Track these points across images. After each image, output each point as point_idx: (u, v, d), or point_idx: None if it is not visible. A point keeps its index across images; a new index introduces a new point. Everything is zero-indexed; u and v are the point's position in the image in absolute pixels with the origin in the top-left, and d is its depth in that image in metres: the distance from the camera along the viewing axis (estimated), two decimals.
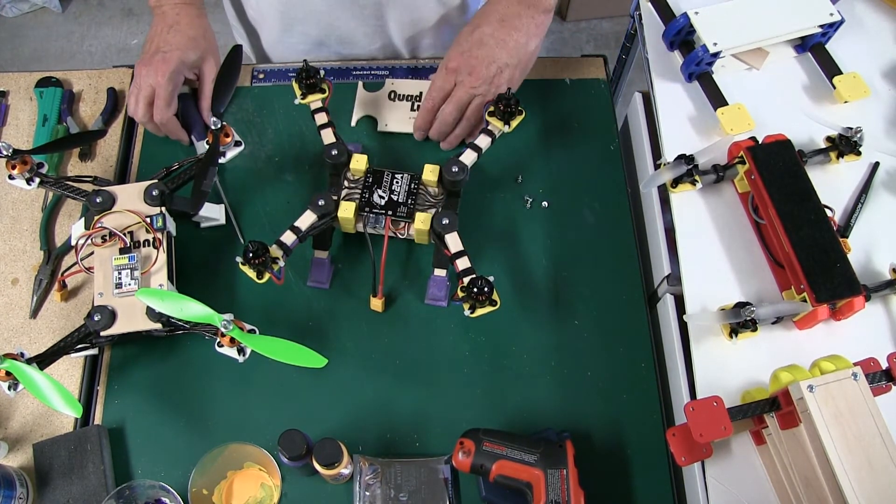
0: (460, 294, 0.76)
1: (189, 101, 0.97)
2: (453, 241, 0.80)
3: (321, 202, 0.80)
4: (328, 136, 0.86)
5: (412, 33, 1.05)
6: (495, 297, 0.75)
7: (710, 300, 0.78)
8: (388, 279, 0.87)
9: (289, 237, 0.79)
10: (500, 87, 0.86)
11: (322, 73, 0.87)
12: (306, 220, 0.80)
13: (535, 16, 0.86)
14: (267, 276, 0.76)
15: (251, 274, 0.76)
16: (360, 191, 0.84)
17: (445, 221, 0.80)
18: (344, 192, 0.84)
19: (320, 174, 0.94)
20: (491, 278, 0.74)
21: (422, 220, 0.82)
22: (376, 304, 0.84)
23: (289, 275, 0.87)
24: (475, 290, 0.74)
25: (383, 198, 0.83)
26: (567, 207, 0.92)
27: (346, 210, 0.82)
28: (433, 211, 0.83)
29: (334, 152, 0.84)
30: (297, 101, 0.87)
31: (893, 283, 0.77)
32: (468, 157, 0.83)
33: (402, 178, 0.84)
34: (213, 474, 0.77)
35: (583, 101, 0.98)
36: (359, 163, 0.84)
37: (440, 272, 0.84)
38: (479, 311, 0.76)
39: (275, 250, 0.77)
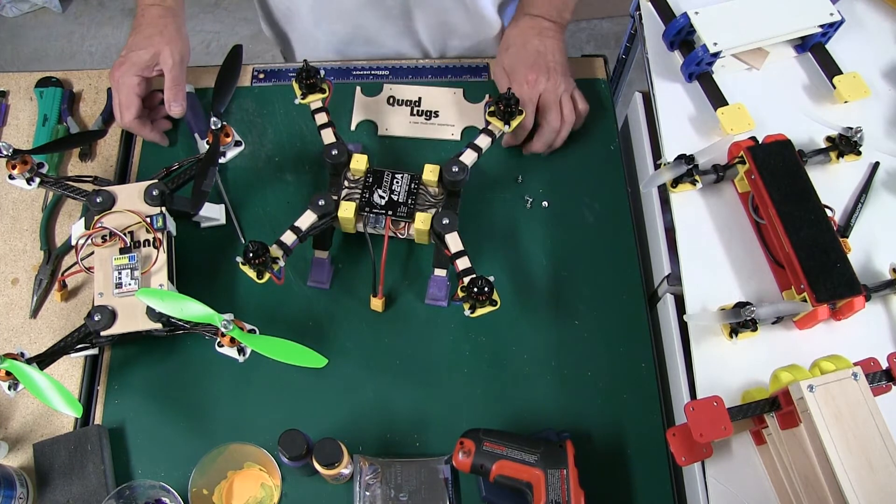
0: (460, 294, 0.76)
1: (190, 101, 0.97)
2: (453, 241, 0.80)
3: (321, 202, 0.80)
4: (328, 136, 0.86)
5: (441, 35, 1.05)
6: (495, 296, 0.75)
7: (710, 300, 0.78)
8: (389, 279, 0.87)
9: (289, 237, 0.79)
10: (570, 81, 0.93)
11: (322, 73, 0.87)
12: (306, 220, 0.80)
13: (559, 31, 0.95)
14: (267, 276, 0.76)
15: (251, 274, 0.76)
16: (360, 191, 0.84)
17: (445, 221, 0.80)
18: (344, 192, 0.84)
19: (320, 174, 0.94)
20: (491, 278, 0.74)
21: (422, 220, 0.82)
22: (376, 304, 0.84)
23: (289, 275, 0.87)
24: (475, 289, 0.73)
25: (383, 198, 0.83)
26: (567, 207, 0.92)
27: (347, 210, 0.82)
28: (433, 211, 0.83)
29: (334, 152, 0.84)
30: (297, 101, 0.87)
31: (893, 283, 0.77)
32: (468, 157, 0.83)
33: (402, 177, 0.84)
34: (214, 474, 0.77)
35: None
36: (359, 163, 0.84)
37: (440, 272, 0.84)
38: (480, 311, 0.75)
39: (275, 250, 0.77)
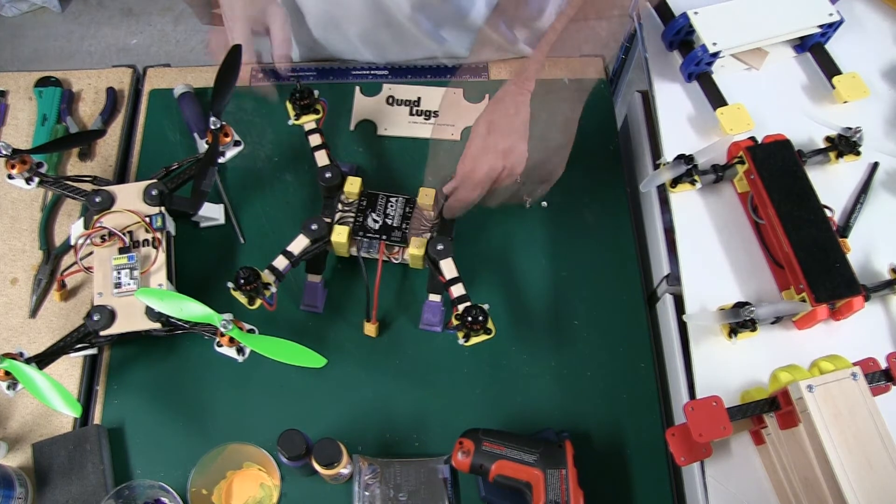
0: (454, 322, 0.75)
1: (189, 101, 0.97)
2: (448, 268, 0.78)
3: (314, 227, 0.79)
4: (322, 159, 0.84)
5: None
6: (490, 325, 0.73)
7: (709, 300, 0.78)
8: (382, 304, 0.85)
9: (281, 262, 0.78)
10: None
11: (316, 93, 0.85)
12: (299, 244, 0.79)
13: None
14: (258, 302, 0.75)
15: (242, 300, 0.75)
16: (353, 214, 0.82)
17: (440, 247, 0.78)
18: (338, 216, 0.83)
19: None
20: (486, 306, 0.73)
21: (416, 246, 0.80)
22: (370, 329, 0.83)
23: (289, 276, 0.87)
24: (469, 318, 0.72)
25: (377, 222, 0.82)
26: (567, 208, 0.92)
27: (340, 235, 0.80)
28: (428, 236, 0.81)
29: (328, 175, 0.82)
30: (290, 122, 0.86)
31: (893, 283, 0.77)
32: None
33: (396, 201, 0.83)
34: (213, 474, 0.77)
35: None
36: (353, 186, 0.82)
37: (435, 297, 0.83)
38: (474, 340, 0.74)
39: (267, 276, 0.76)
